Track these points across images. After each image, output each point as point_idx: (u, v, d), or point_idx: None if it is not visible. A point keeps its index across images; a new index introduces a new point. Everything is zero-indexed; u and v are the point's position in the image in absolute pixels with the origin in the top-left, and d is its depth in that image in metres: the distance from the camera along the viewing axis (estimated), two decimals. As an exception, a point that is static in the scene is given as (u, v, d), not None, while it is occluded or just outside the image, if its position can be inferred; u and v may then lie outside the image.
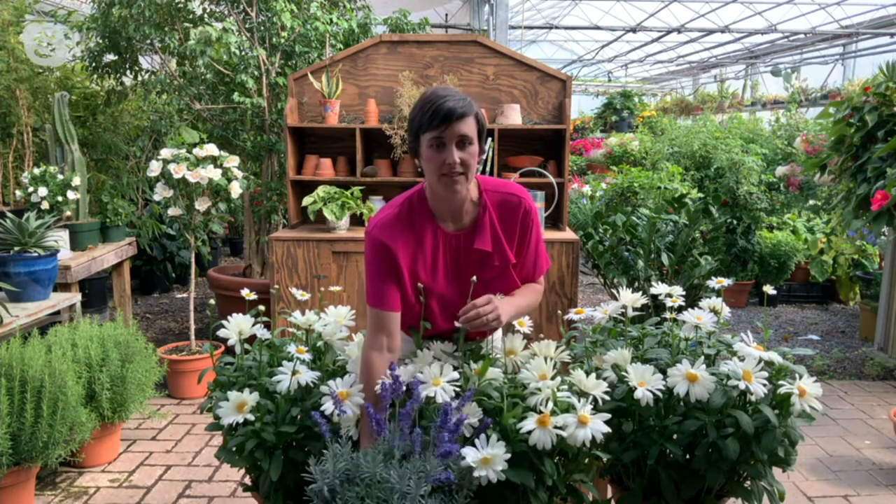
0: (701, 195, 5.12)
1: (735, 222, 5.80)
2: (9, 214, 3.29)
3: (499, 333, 2.03)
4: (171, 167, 3.63)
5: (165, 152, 3.71)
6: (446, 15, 9.22)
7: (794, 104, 9.51)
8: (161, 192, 3.70)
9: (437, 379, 1.55)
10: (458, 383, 1.58)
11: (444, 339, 1.81)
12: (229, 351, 1.91)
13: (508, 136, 3.98)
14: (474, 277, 1.72)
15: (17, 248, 3.22)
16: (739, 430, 1.55)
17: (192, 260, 4.22)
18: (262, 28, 4.52)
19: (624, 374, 1.65)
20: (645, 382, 1.59)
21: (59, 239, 3.63)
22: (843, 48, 11.48)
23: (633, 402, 1.61)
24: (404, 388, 1.53)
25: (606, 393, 1.59)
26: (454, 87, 1.71)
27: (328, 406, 1.57)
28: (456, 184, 1.66)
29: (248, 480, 1.81)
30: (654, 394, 1.57)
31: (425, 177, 1.72)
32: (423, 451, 1.38)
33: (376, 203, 3.83)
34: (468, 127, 1.64)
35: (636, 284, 4.00)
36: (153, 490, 2.90)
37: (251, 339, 1.86)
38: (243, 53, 4.54)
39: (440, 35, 4.16)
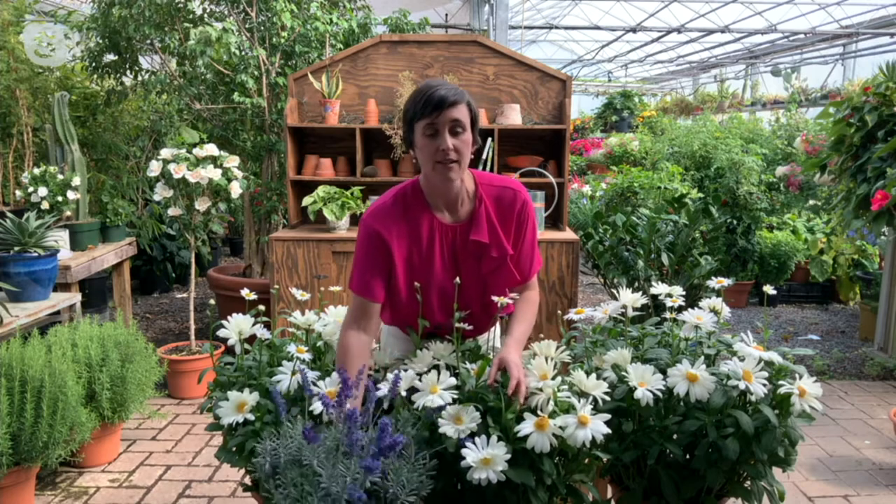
0: (701, 195, 5.12)
1: (735, 222, 5.80)
2: (9, 214, 3.29)
3: (498, 333, 2.03)
4: (171, 167, 3.63)
5: (165, 152, 3.71)
6: (446, 15, 9.22)
7: (794, 104, 9.51)
8: (161, 192, 3.70)
9: (435, 386, 1.55)
10: (455, 391, 1.56)
11: (442, 331, 1.81)
12: (229, 351, 1.91)
13: (508, 136, 3.98)
14: (457, 279, 1.73)
15: (17, 248, 3.22)
16: (739, 430, 1.55)
17: (192, 260, 4.21)
18: (262, 28, 4.52)
19: (624, 374, 1.65)
20: (645, 382, 1.59)
21: (59, 239, 3.64)
22: (843, 48, 11.48)
23: (633, 402, 1.61)
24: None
25: (606, 393, 1.58)
26: (446, 81, 1.73)
27: (318, 406, 1.55)
28: (450, 171, 1.67)
29: (248, 480, 1.81)
30: (654, 394, 1.57)
31: (420, 167, 1.72)
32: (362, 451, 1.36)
33: (376, 203, 3.83)
34: (460, 113, 1.65)
35: (636, 284, 4.00)
36: (153, 490, 2.90)
37: (251, 339, 1.86)
38: (243, 53, 4.54)
39: (440, 35, 4.16)
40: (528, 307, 1.85)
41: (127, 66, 4.97)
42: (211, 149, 3.77)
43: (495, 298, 1.72)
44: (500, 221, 1.79)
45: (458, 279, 1.74)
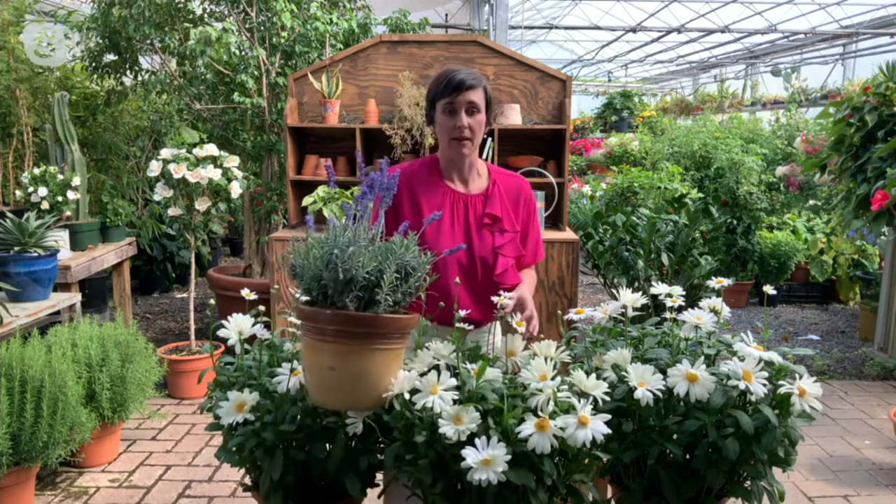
0: (701, 195, 5.12)
1: (735, 222, 5.80)
2: (9, 214, 3.29)
3: (499, 334, 2.04)
4: (171, 167, 3.63)
5: (165, 152, 3.71)
6: (446, 15, 9.22)
7: (794, 104, 9.51)
8: (161, 192, 3.70)
9: (435, 387, 1.54)
10: (456, 391, 1.56)
11: (447, 313, 1.79)
12: (229, 351, 1.91)
13: (508, 136, 3.98)
14: (457, 280, 1.76)
15: (17, 248, 3.22)
16: (739, 430, 1.54)
17: (192, 260, 4.21)
18: (262, 28, 4.52)
19: (624, 374, 1.64)
20: (645, 382, 1.59)
21: (59, 239, 3.64)
22: (843, 48, 11.48)
23: (633, 402, 1.61)
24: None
25: (606, 393, 1.58)
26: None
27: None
28: (463, 147, 1.88)
29: (248, 480, 1.81)
30: (654, 394, 1.56)
31: (438, 142, 1.95)
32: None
33: (376, 203, 3.83)
34: (477, 96, 1.87)
35: (636, 284, 4.00)
36: (153, 490, 2.90)
37: (251, 339, 1.86)
38: (243, 53, 4.54)
39: (440, 35, 4.16)
40: (529, 275, 2.08)
41: (127, 66, 4.97)
42: (211, 149, 3.77)
43: (494, 299, 1.73)
44: (510, 204, 1.98)
45: (458, 279, 1.74)
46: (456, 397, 1.52)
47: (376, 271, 1.45)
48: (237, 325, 1.82)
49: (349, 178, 3.91)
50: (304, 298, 1.54)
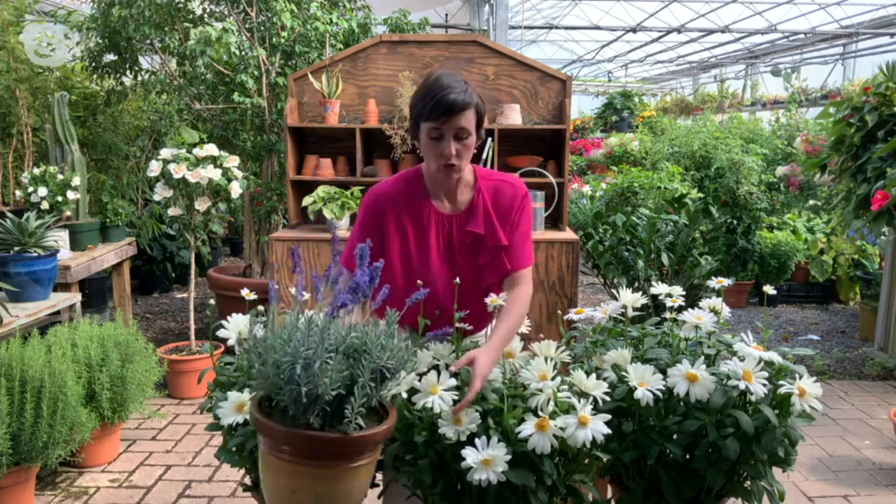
0: (701, 195, 5.12)
1: (735, 222, 5.80)
2: (9, 214, 3.29)
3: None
4: (171, 167, 3.63)
5: (165, 152, 3.71)
6: (446, 15, 9.22)
7: (794, 104, 9.51)
8: (161, 192, 3.70)
9: (435, 387, 1.54)
10: (455, 392, 1.56)
11: (443, 319, 1.78)
12: (229, 351, 1.91)
13: (508, 136, 3.98)
14: (457, 280, 1.72)
15: (17, 248, 3.22)
16: (739, 430, 1.55)
17: (192, 260, 4.21)
18: (262, 28, 4.52)
19: (624, 374, 1.65)
20: (645, 382, 1.59)
21: (59, 239, 3.63)
22: (843, 48, 11.48)
23: (634, 402, 1.61)
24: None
25: (606, 393, 1.58)
26: (457, 75, 1.72)
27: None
28: (451, 174, 1.73)
29: (248, 480, 1.81)
30: (654, 394, 1.57)
31: (424, 158, 1.78)
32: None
33: (376, 203, 3.83)
34: (467, 120, 1.68)
35: (636, 284, 4.00)
36: (153, 490, 2.90)
37: (251, 339, 1.86)
38: (243, 53, 4.53)
39: (440, 35, 4.16)
40: (514, 305, 1.77)
41: (127, 66, 4.97)
42: (211, 149, 3.77)
43: (488, 300, 1.73)
44: (496, 212, 1.83)
45: (457, 280, 1.73)
46: (456, 397, 1.52)
47: (347, 379, 1.24)
48: (237, 325, 1.82)
49: (349, 177, 3.92)
50: (261, 394, 1.32)
